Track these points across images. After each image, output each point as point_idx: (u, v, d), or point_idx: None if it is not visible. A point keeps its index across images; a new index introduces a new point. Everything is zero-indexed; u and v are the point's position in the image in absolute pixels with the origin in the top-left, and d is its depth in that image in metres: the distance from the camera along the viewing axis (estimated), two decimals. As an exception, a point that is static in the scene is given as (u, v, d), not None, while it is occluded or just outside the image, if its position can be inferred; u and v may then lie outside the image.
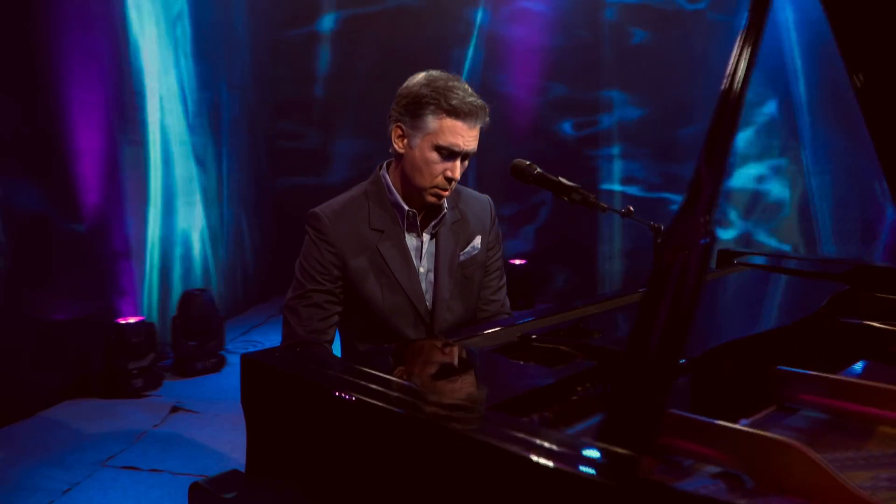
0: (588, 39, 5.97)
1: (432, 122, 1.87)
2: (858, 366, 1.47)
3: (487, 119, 1.93)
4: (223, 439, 3.53)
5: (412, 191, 1.96)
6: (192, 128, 5.06)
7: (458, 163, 1.92)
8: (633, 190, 6.03)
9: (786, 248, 5.71)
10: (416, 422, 0.89)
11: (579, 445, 0.80)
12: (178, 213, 4.90)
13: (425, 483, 0.89)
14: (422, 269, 2.03)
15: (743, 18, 0.90)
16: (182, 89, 4.95)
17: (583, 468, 0.77)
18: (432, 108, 1.87)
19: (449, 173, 1.91)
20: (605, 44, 5.95)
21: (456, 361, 1.17)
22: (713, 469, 1.03)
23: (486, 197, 2.20)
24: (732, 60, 0.89)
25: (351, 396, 0.97)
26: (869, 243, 5.45)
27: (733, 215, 5.95)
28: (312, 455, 1.06)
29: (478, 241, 2.11)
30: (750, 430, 1.01)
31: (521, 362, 1.13)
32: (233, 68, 5.63)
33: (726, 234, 5.95)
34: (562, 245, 6.17)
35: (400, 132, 1.93)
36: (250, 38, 5.91)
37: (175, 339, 4.41)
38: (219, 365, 4.50)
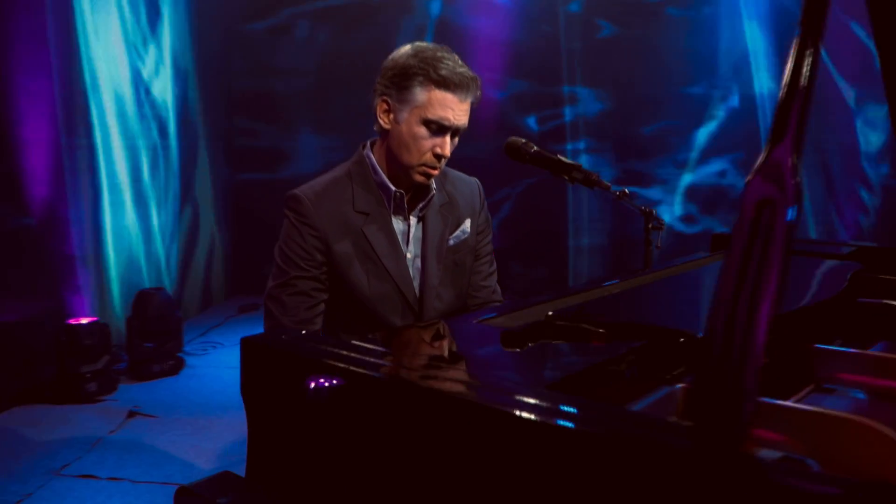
0: (550, 33, 5.91)
1: (420, 94, 1.76)
2: (880, 346, 1.40)
3: (479, 93, 1.83)
4: (185, 444, 3.35)
5: (399, 170, 1.84)
6: (147, 121, 4.84)
7: (447, 139, 1.81)
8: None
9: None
10: (473, 407, 0.76)
11: (672, 427, 0.69)
12: (132, 208, 4.67)
13: (490, 479, 0.77)
14: (409, 255, 1.91)
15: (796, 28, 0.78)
16: (136, 80, 4.73)
17: (685, 454, 0.66)
18: (420, 79, 1.75)
19: (438, 150, 1.80)
20: (567, 37, 5.89)
21: (491, 341, 1.05)
22: (772, 454, 0.93)
23: (474, 179, 2.10)
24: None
25: (387, 379, 0.83)
26: (832, 237, 5.50)
27: (695, 210, 5.95)
28: (331, 452, 0.92)
29: (467, 224, 2.01)
30: (816, 409, 0.91)
31: (560, 342, 1.02)
32: (189, 61, 5.41)
33: (691, 230, 5.95)
34: (526, 240, 6.09)
35: (385, 106, 1.81)
36: (208, 30, 5.70)
37: (130, 340, 4.19)
38: (177, 367, 4.29)
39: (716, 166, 5.85)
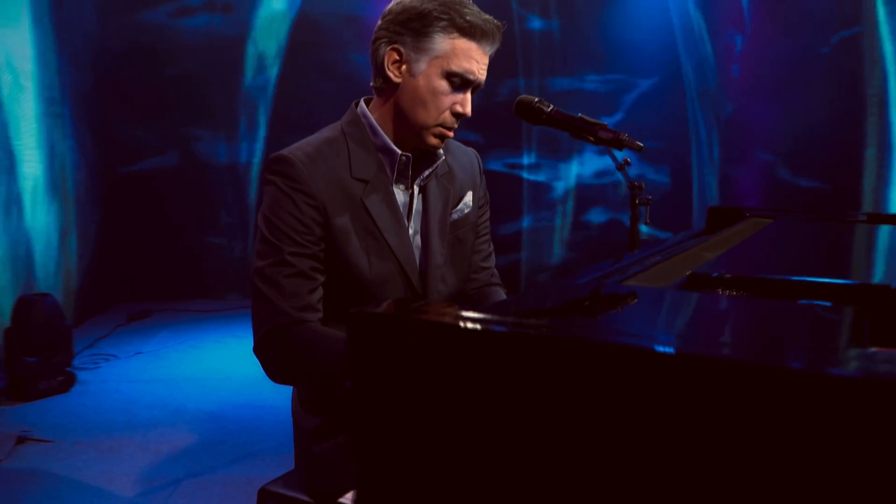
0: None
1: (442, 42, 1.52)
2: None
3: (497, 45, 1.61)
4: (94, 470, 2.91)
5: (408, 130, 1.58)
6: (23, 113, 4.25)
7: (468, 95, 1.58)
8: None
9: (662, 234, 5.77)
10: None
11: None
12: (5, 205, 4.08)
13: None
14: (409, 230, 1.66)
15: None
16: (9, 67, 4.13)
17: None
18: (443, 24, 1.51)
19: (459, 108, 1.56)
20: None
21: (669, 301, 0.83)
22: None
23: (471, 149, 1.87)
24: None
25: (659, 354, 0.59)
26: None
27: (598, 203, 5.95)
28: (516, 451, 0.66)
29: (469, 197, 1.78)
30: None
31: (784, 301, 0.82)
32: (72, 48, 4.84)
33: (598, 218, 5.96)
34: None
35: (397, 57, 1.54)
36: (90, 16, 5.14)
37: (11, 354, 3.63)
38: (67, 384, 3.77)
39: (619, 157, 5.87)
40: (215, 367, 4.18)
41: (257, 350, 1.51)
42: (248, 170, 5.76)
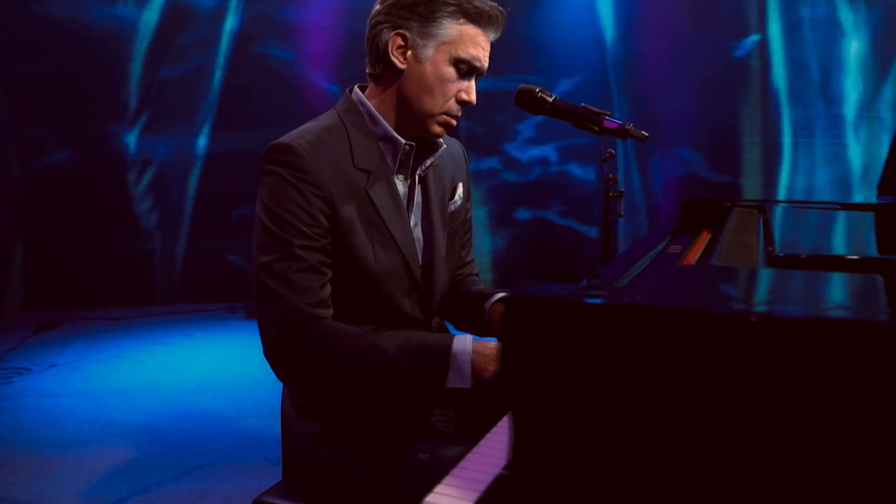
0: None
1: (450, 27, 1.48)
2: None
3: (500, 32, 1.58)
4: (26, 493, 2.70)
5: (411, 119, 1.53)
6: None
7: (473, 83, 1.55)
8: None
9: (589, 230, 5.88)
10: None
11: None
12: None
13: None
14: (410, 222, 1.61)
15: None
16: None
17: None
18: (451, 9, 1.47)
19: (464, 95, 1.53)
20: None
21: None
22: None
23: (456, 140, 1.84)
24: None
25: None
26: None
27: (524, 200, 5.99)
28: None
29: (460, 188, 1.75)
30: None
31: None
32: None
33: (523, 216, 6.01)
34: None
35: (401, 42, 1.49)
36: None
37: (-85, 372, 3.32)
38: (-21, 401, 3.48)
39: (538, 152, 5.93)
40: (141, 377, 3.95)
41: (269, 351, 1.42)
42: (145, 167, 5.50)
